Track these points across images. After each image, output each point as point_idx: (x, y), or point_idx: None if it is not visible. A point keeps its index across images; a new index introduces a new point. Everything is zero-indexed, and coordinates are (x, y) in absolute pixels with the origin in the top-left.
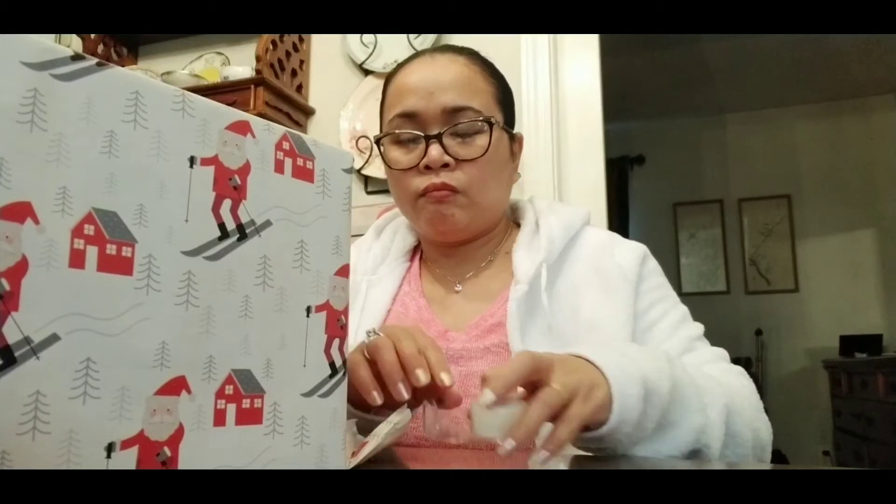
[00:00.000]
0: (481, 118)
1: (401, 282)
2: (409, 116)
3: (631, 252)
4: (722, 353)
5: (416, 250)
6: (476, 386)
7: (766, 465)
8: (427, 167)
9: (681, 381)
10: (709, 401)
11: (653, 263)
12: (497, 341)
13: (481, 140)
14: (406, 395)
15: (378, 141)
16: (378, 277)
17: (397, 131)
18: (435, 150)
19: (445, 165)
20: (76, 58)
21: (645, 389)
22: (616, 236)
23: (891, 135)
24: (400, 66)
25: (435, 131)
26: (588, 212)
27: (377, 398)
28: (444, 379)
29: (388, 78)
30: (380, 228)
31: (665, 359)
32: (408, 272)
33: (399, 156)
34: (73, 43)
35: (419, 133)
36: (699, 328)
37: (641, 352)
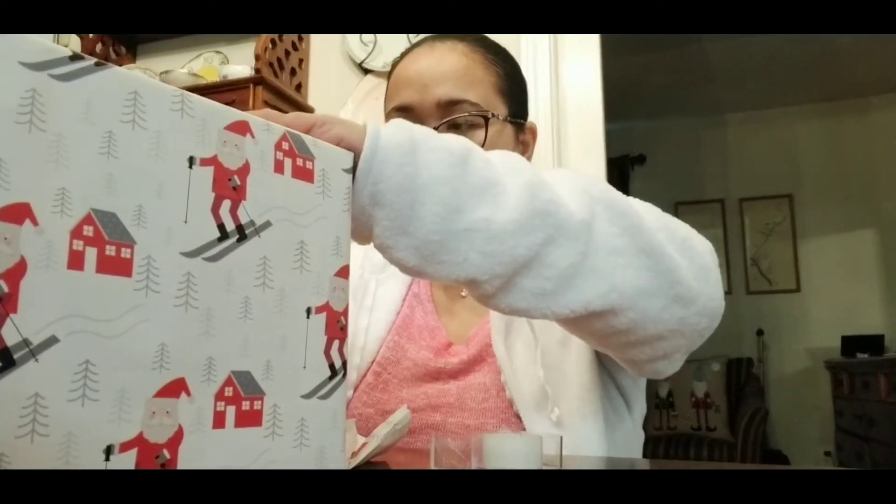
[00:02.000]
0: (477, 112)
1: (410, 281)
2: (405, 110)
3: None
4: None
5: None
6: (473, 398)
7: (765, 465)
8: None
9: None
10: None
11: None
12: (489, 354)
13: (478, 134)
14: None
15: None
16: (387, 276)
17: None
18: None
19: None
20: (74, 58)
21: (413, 146)
22: None
23: (892, 134)
24: (402, 55)
25: (430, 125)
26: None
27: None
28: None
29: (392, 68)
30: None
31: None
32: None
33: None
34: (72, 42)
35: None
36: None
37: None
